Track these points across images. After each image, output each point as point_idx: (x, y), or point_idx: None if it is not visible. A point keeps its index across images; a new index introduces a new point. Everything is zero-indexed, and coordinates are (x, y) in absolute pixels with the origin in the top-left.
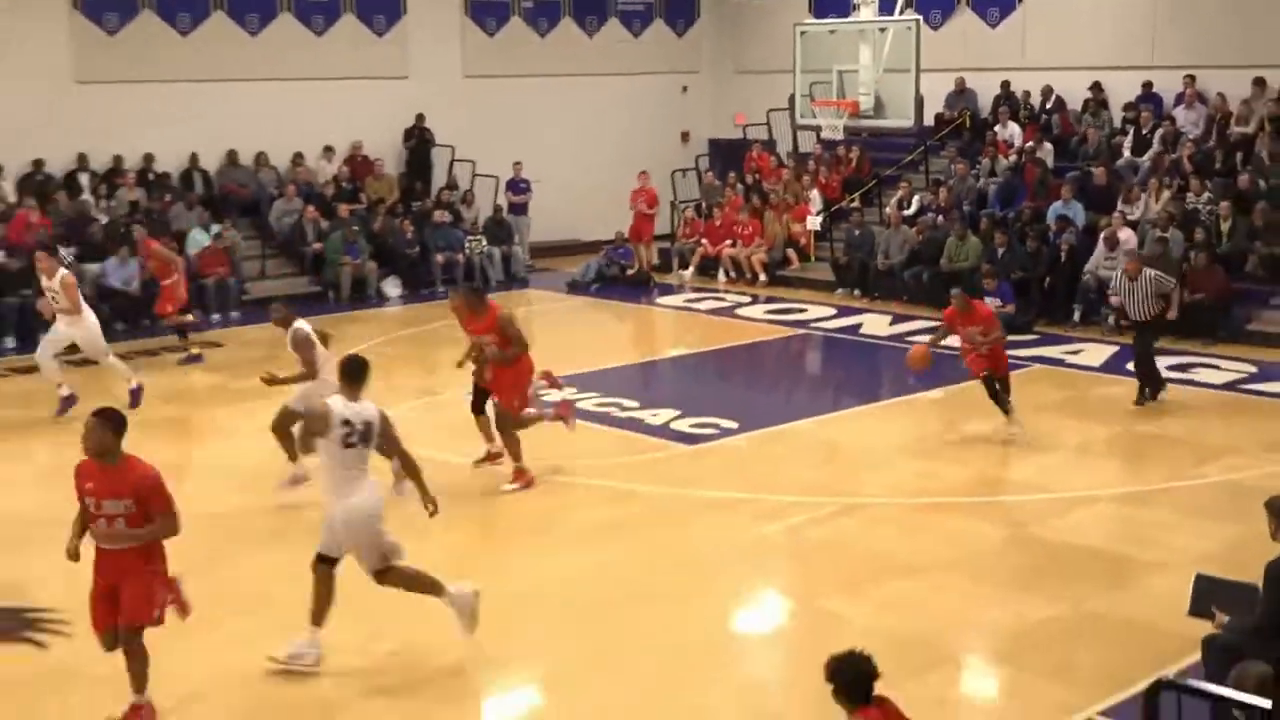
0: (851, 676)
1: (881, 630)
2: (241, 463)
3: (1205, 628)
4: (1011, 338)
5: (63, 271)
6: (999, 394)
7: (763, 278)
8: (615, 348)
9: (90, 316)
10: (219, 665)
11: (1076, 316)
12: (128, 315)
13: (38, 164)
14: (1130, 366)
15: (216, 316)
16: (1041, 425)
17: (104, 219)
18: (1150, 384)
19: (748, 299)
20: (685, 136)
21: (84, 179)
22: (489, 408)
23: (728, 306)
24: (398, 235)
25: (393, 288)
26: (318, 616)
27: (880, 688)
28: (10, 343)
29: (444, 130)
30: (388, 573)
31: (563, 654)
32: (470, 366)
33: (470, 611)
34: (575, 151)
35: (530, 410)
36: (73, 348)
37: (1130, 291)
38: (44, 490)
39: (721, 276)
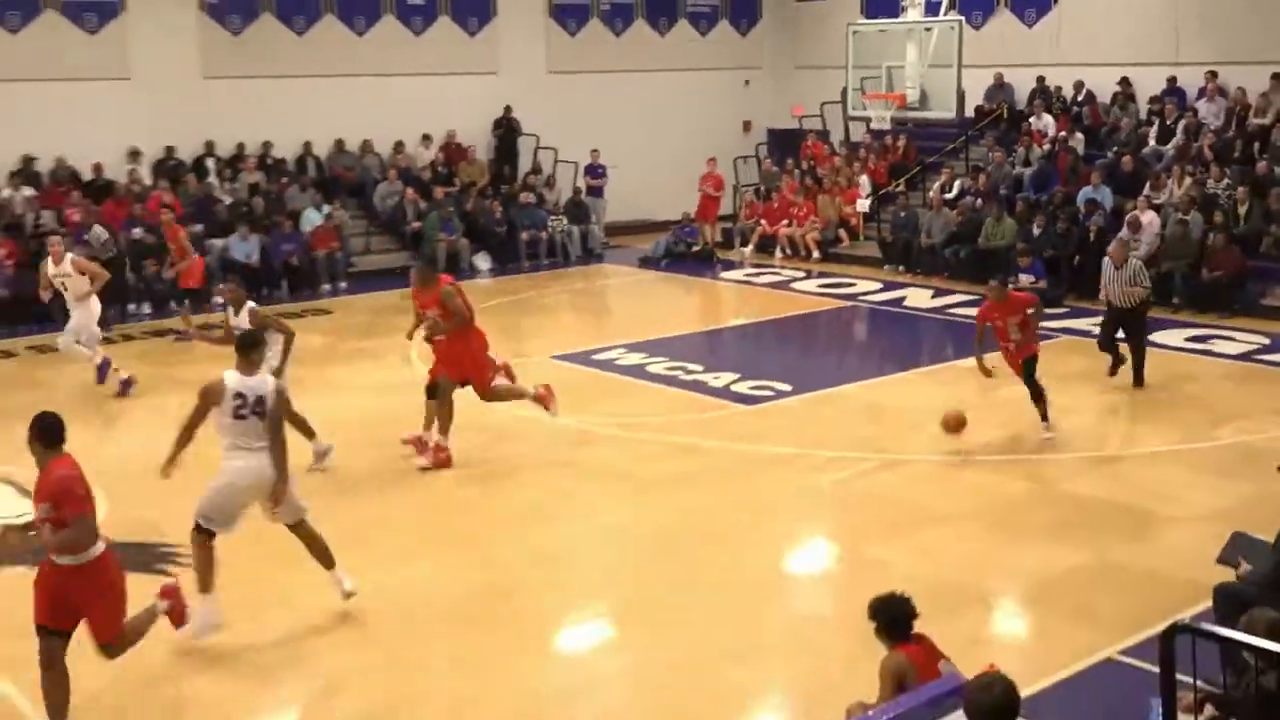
0: (892, 616)
1: (919, 574)
2: (347, 416)
3: (1218, 578)
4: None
5: (70, 256)
6: (1040, 391)
7: (816, 255)
8: (681, 317)
9: (94, 303)
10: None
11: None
12: (248, 284)
13: (170, 150)
14: (1099, 340)
15: (327, 286)
16: (1068, 391)
17: (228, 200)
18: (1114, 357)
19: (802, 274)
20: (747, 126)
21: (210, 164)
22: (441, 389)
23: (784, 280)
24: (488, 215)
25: (483, 262)
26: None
27: (918, 627)
28: (146, 309)
29: (529, 120)
30: (200, 530)
31: (636, 585)
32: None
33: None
34: (647, 140)
35: (504, 382)
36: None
37: (1114, 278)
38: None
39: (778, 253)
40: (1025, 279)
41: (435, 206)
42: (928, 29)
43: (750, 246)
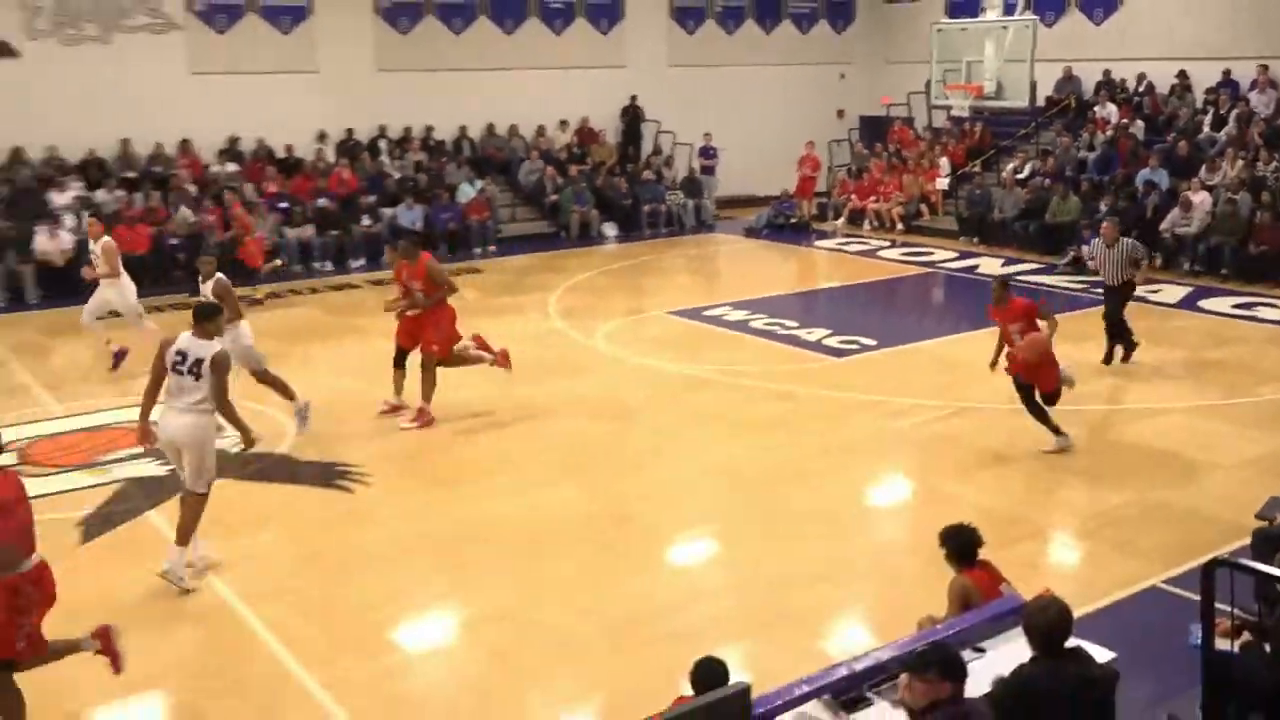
0: (960, 543)
1: (984, 508)
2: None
3: (1256, 524)
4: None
5: (105, 238)
6: (1038, 407)
7: (899, 227)
8: (780, 280)
9: (127, 281)
10: (486, 510)
11: (1159, 262)
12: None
13: (349, 133)
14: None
15: (478, 250)
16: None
17: (396, 175)
18: (1123, 343)
19: (887, 244)
20: (841, 114)
21: (382, 145)
22: (409, 361)
23: (870, 249)
24: (615, 190)
25: (610, 230)
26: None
27: (982, 554)
28: (329, 265)
29: (652, 108)
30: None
31: (737, 513)
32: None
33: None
34: (753, 125)
35: (470, 350)
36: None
37: (1107, 258)
38: (353, 379)
39: (866, 226)
40: (1087, 250)
41: (570, 182)
42: (1004, 27)
43: (842, 219)
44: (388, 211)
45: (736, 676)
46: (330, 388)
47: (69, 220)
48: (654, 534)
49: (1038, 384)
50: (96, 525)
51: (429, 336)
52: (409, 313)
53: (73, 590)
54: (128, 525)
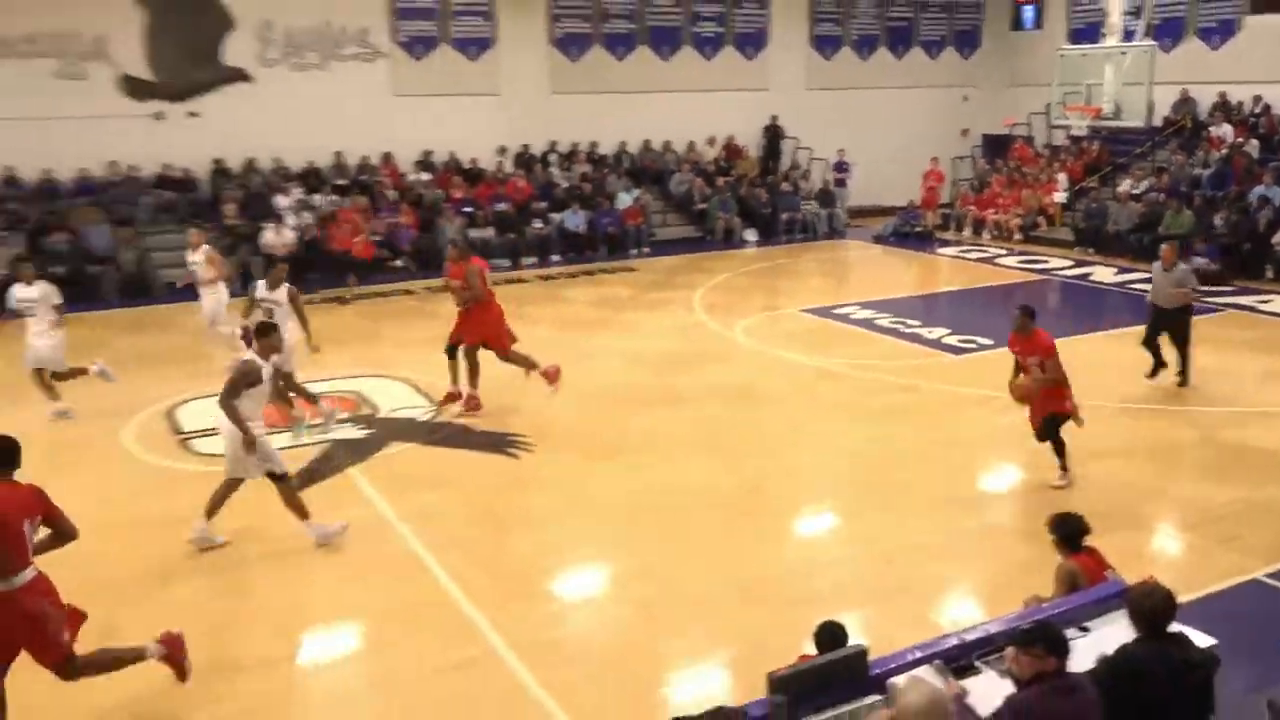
0: (1068, 530)
1: (1092, 498)
2: (646, 348)
3: None
4: (1213, 288)
5: (205, 247)
6: (1054, 435)
7: (1018, 236)
8: (904, 282)
9: (223, 288)
10: (635, 480)
11: (1269, 274)
12: (577, 248)
13: (525, 147)
14: (1143, 340)
15: (634, 251)
16: (1231, 356)
17: (564, 184)
18: (1155, 360)
19: (1005, 252)
20: (965, 133)
21: (553, 157)
22: (462, 353)
23: (990, 257)
24: (756, 199)
25: (751, 235)
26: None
27: (1089, 541)
28: (506, 261)
29: (791, 126)
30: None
31: (859, 493)
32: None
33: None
34: (882, 142)
35: (520, 352)
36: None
37: (1163, 280)
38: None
39: (986, 235)
40: (1199, 261)
41: (717, 192)
42: (1124, 53)
43: (963, 229)
44: (555, 216)
45: (855, 640)
46: (502, 367)
47: (291, 219)
48: (784, 508)
49: (1053, 410)
50: (308, 478)
51: (500, 343)
52: (460, 307)
53: (289, 532)
54: (334, 479)
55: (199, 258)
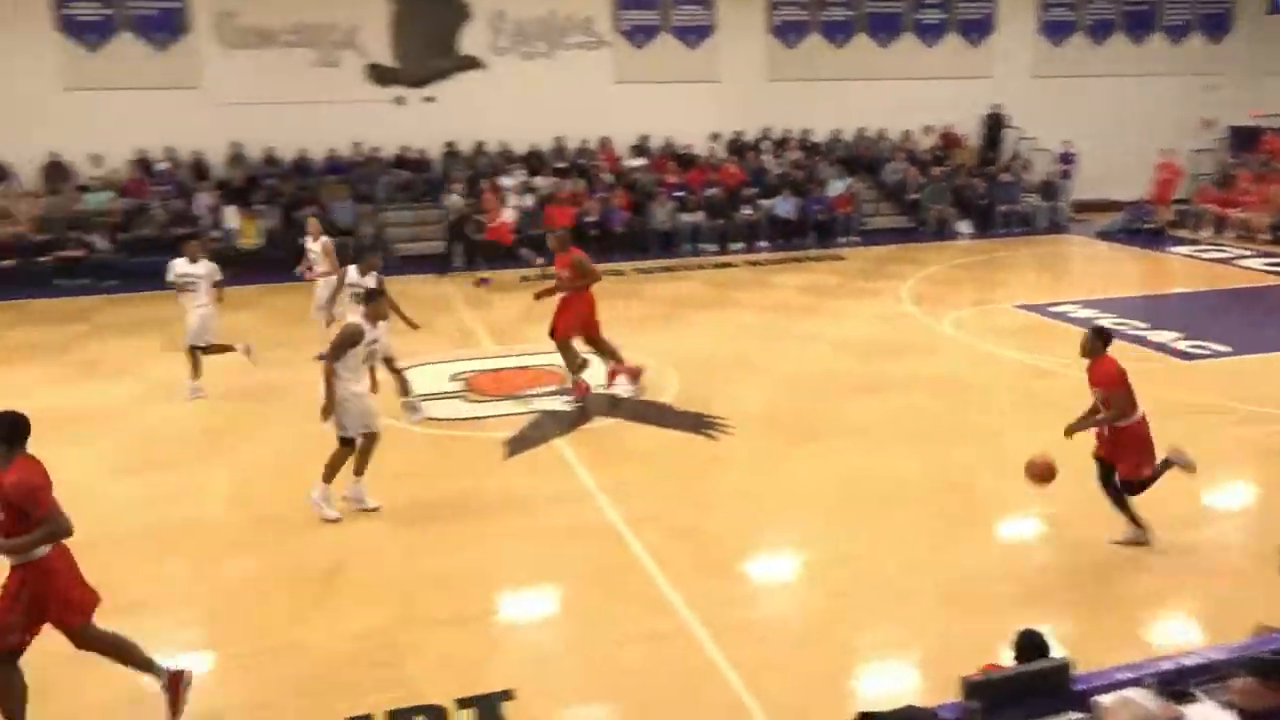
0: None
1: None
2: (852, 335)
3: None
4: None
5: (325, 237)
6: (1115, 490)
7: (1265, 237)
8: (1130, 282)
9: (334, 280)
10: (833, 467)
11: None
12: (785, 235)
13: (738, 134)
14: None
15: (843, 239)
16: None
17: (776, 171)
18: None
19: (1249, 253)
20: (1208, 123)
21: (765, 144)
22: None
23: (1229, 257)
24: (973, 190)
25: (965, 227)
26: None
27: None
28: (712, 246)
29: (1014, 115)
30: None
31: (1063, 499)
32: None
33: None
34: (1113, 132)
35: (611, 345)
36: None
37: None
38: (730, 342)
39: (1229, 234)
40: None
41: (931, 182)
42: None
43: (1202, 228)
44: (765, 203)
45: (1056, 652)
46: (707, 349)
47: (513, 199)
48: (988, 506)
49: (1117, 466)
50: (517, 445)
51: (557, 319)
52: (558, 294)
53: (496, 495)
54: (540, 448)
55: (317, 247)
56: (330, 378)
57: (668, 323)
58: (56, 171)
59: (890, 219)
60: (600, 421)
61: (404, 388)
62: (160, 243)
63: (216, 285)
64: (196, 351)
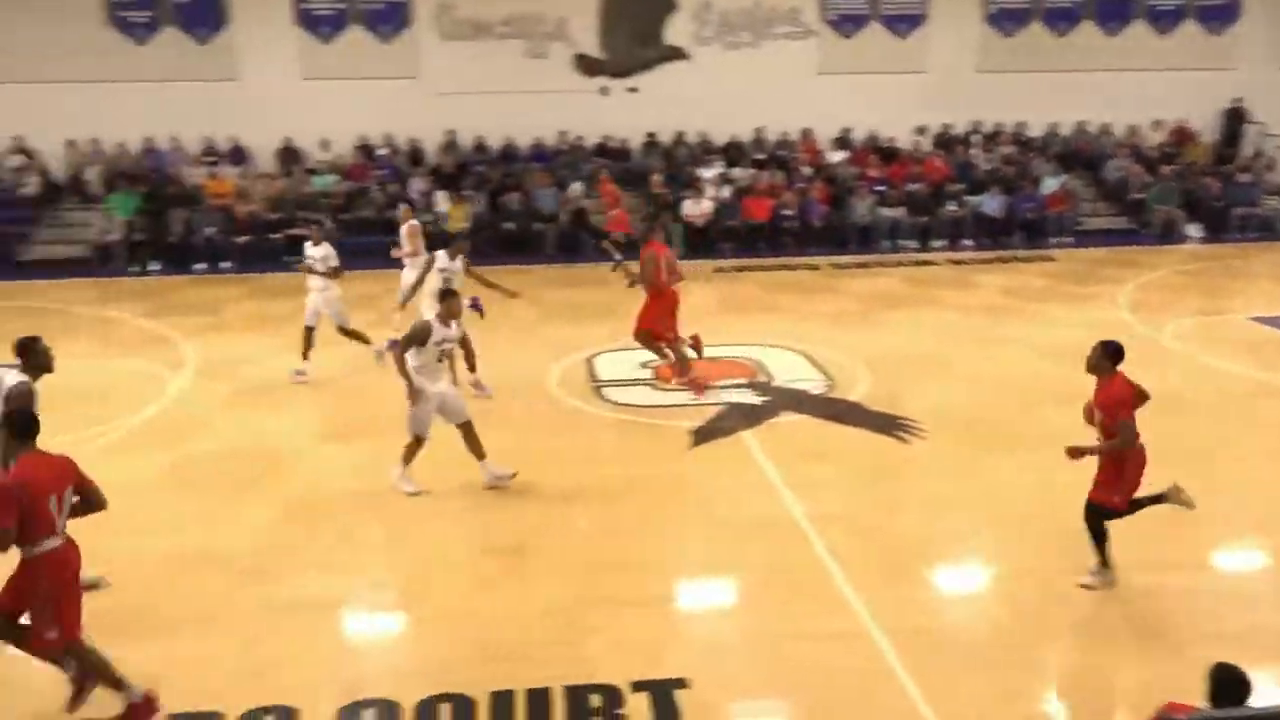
0: None
1: None
2: (1058, 341)
3: None
4: None
5: (412, 221)
6: (1096, 527)
7: None
8: None
9: (419, 264)
10: (1026, 479)
11: None
12: (991, 233)
13: (946, 127)
14: None
15: (1053, 240)
16: None
17: (985, 166)
18: None
19: None
20: None
21: (975, 138)
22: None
23: None
24: (1205, 191)
25: (1194, 231)
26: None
27: None
28: (939, 242)
29: (1259, 110)
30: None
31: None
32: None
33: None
34: None
35: (686, 350)
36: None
37: None
38: (930, 342)
39: None
40: None
41: (1158, 180)
42: None
43: None
44: (971, 199)
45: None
46: (902, 349)
47: (710, 190)
48: (1197, 530)
49: (1105, 498)
50: (703, 435)
51: (645, 320)
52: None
53: (680, 483)
54: (727, 440)
55: (405, 231)
56: (403, 366)
57: (863, 319)
58: (289, 155)
59: (1108, 219)
60: (787, 417)
61: (470, 362)
62: (377, 223)
63: (333, 269)
64: (313, 335)
